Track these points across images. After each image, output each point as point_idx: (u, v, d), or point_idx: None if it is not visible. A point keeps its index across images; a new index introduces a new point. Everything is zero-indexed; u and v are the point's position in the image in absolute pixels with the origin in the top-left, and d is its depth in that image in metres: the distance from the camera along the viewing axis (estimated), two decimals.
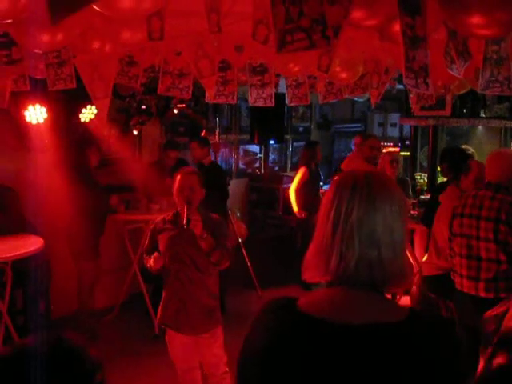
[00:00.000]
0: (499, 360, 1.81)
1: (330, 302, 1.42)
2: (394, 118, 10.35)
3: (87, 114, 6.05)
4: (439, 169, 7.54)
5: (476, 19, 2.14)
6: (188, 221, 3.68)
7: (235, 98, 4.39)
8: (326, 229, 1.43)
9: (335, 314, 1.38)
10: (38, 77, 3.78)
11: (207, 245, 3.75)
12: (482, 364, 2.35)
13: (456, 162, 5.61)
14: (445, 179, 6.06)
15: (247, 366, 1.45)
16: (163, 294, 4.01)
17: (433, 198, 5.82)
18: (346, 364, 1.33)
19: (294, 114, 10.15)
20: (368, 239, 1.40)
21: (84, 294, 6.00)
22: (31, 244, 4.97)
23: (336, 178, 1.56)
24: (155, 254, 3.85)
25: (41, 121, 5.59)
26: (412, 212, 6.29)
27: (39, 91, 4.95)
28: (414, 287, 5.24)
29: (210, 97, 4.26)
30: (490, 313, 2.98)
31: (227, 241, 3.94)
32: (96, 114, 5.87)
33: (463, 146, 6.91)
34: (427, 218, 5.42)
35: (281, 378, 1.37)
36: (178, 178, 3.85)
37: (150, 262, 3.87)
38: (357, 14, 2.30)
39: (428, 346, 1.34)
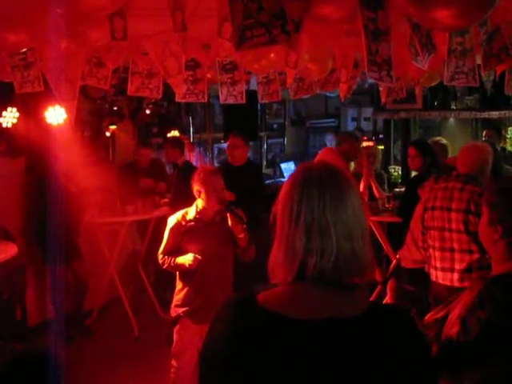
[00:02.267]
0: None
1: (292, 298, 1.42)
2: (368, 112, 10.41)
3: (55, 116, 5.97)
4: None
5: (439, 12, 2.15)
6: (240, 219, 3.90)
7: (206, 96, 4.37)
8: (296, 229, 1.41)
9: (295, 310, 1.38)
10: (5, 80, 3.73)
11: (245, 241, 3.96)
12: None
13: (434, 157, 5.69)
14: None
15: (207, 362, 1.45)
16: (184, 288, 4.06)
17: (408, 191, 5.86)
18: (304, 360, 1.32)
19: (267, 111, 10.17)
20: (343, 234, 1.40)
21: (79, 294, 6.02)
22: (4, 250, 4.91)
23: (292, 173, 1.55)
24: (193, 256, 3.90)
25: (9, 125, 5.50)
26: (387, 205, 6.32)
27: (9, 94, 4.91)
28: (392, 280, 5.28)
29: (179, 96, 4.25)
30: (429, 317, 3.00)
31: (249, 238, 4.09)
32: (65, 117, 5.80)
33: (436, 138, 6.97)
34: (403, 211, 5.46)
35: (239, 374, 1.37)
36: (208, 177, 3.96)
37: (190, 263, 3.90)
38: (321, 9, 2.30)
39: (388, 337, 1.35)
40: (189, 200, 4.21)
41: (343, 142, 6.41)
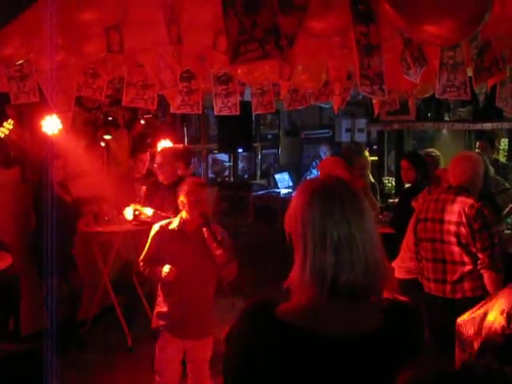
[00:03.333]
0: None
1: (312, 312, 1.42)
2: (362, 123, 10.46)
3: (52, 126, 5.98)
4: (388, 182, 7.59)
5: (429, 28, 2.19)
6: (213, 236, 3.86)
7: (200, 107, 4.40)
8: (323, 246, 1.41)
9: (315, 324, 1.39)
10: (1, 90, 3.75)
11: (222, 259, 3.89)
12: (459, 365, 2.36)
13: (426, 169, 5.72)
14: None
15: (229, 372, 1.46)
16: (164, 300, 4.03)
17: (401, 202, 5.89)
18: (321, 375, 1.34)
19: (262, 122, 10.20)
20: (367, 246, 1.42)
21: (73, 304, 6.03)
22: None
23: (304, 189, 1.54)
24: (169, 268, 3.87)
25: (2, 135, 5.52)
26: (380, 216, 6.35)
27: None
28: (386, 291, 5.29)
29: (174, 107, 4.27)
30: (465, 317, 3.00)
31: (232, 252, 4.02)
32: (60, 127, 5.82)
33: (429, 150, 7.01)
34: (397, 222, 5.49)
35: None
36: (192, 188, 3.93)
37: (164, 274, 3.88)
38: (313, 24, 2.34)
39: (406, 345, 1.40)
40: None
41: (348, 155, 6.35)
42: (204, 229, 3.89)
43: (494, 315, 2.01)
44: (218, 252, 3.89)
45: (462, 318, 3.34)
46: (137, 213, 5.76)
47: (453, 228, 4.03)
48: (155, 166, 5.64)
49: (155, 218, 4.97)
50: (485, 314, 2.49)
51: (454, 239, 4.04)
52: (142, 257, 4.10)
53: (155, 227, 4.09)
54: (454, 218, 4.04)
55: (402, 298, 4.94)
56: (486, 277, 3.92)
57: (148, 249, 4.07)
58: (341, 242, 1.40)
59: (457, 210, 4.03)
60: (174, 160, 5.47)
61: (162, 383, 4.09)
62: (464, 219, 3.97)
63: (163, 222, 4.09)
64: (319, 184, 1.52)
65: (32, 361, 3.95)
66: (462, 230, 3.99)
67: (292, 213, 1.49)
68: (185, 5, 2.63)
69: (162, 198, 5.43)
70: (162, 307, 4.07)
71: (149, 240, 4.08)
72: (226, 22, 1.79)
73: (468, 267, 4.01)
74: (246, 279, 7.44)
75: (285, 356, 1.36)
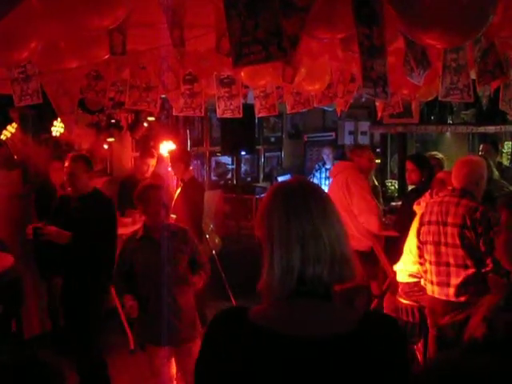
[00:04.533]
0: None
1: (285, 314, 1.43)
2: (365, 126, 10.45)
3: (58, 127, 6.00)
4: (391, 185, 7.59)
5: (432, 31, 2.18)
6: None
7: (203, 110, 4.40)
8: (288, 241, 1.42)
9: (286, 326, 1.39)
10: (4, 92, 3.75)
11: (199, 284, 3.92)
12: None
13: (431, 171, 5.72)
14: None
15: (199, 376, 1.47)
16: (140, 315, 3.95)
17: (405, 205, 5.88)
18: (294, 377, 1.34)
19: (265, 125, 10.19)
20: (333, 239, 1.44)
21: None
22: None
23: (269, 191, 1.57)
24: (131, 303, 3.82)
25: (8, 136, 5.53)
26: (383, 219, 6.33)
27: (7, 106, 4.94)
28: (389, 294, 5.29)
29: (176, 110, 4.27)
30: (447, 320, 3.00)
31: (202, 255, 3.99)
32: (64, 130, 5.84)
33: (432, 153, 7.00)
34: (400, 225, 5.48)
35: None
36: (144, 193, 3.90)
37: (128, 308, 3.87)
38: (316, 27, 2.34)
39: (380, 351, 1.36)
40: (191, 215, 4.22)
41: (352, 156, 6.32)
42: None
43: (475, 321, 2.00)
44: (194, 280, 3.89)
45: (443, 322, 3.34)
46: None
47: (457, 231, 4.03)
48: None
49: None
50: (466, 320, 2.47)
51: (458, 242, 4.03)
52: (114, 270, 4.09)
53: (126, 237, 4.12)
54: (458, 220, 4.03)
55: (404, 302, 4.92)
56: (491, 281, 3.91)
57: (118, 261, 4.07)
58: (306, 237, 1.42)
59: (461, 213, 4.02)
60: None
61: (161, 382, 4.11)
62: (468, 222, 3.96)
63: (133, 232, 4.09)
64: (283, 184, 1.56)
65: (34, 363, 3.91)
66: (467, 233, 3.98)
67: (258, 216, 1.51)
68: (187, 6, 2.63)
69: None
70: (140, 322, 4.03)
71: (119, 252, 4.08)
72: (229, 23, 1.79)
73: (471, 270, 4.00)
74: (247, 281, 7.45)
75: (248, 356, 1.37)
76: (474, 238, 3.94)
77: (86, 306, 4.49)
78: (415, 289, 4.62)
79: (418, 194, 5.50)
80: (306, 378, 1.33)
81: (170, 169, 6.89)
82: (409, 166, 5.93)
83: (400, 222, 5.80)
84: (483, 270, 3.93)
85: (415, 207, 5.18)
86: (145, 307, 3.91)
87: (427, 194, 5.29)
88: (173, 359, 4.11)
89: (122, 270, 3.99)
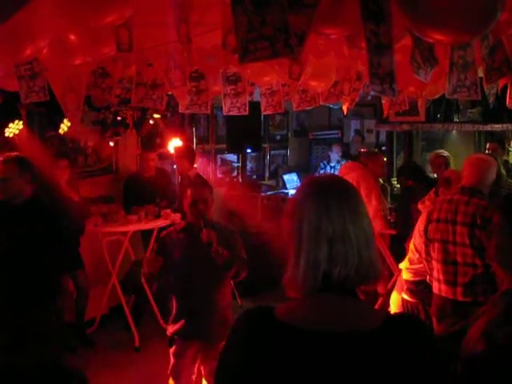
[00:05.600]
0: None
1: (310, 311, 1.43)
2: (370, 124, 10.44)
3: (64, 125, 6.02)
4: (396, 182, 7.69)
5: (439, 27, 2.17)
6: (210, 244, 3.73)
7: (209, 107, 4.39)
8: (317, 240, 1.42)
9: (313, 323, 1.39)
10: (11, 89, 3.76)
11: (223, 260, 3.78)
12: None
13: (420, 178, 5.76)
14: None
15: (223, 376, 1.46)
16: (175, 306, 3.99)
17: (402, 204, 5.95)
18: (323, 374, 1.33)
19: (270, 123, 10.20)
20: (362, 242, 1.43)
21: (81, 304, 6.05)
22: None
23: (301, 186, 1.56)
24: (153, 256, 3.84)
25: (11, 135, 5.54)
26: (389, 217, 6.33)
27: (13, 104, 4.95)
28: (395, 292, 5.28)
29: (182, 107, 4.27)
30: (443, 330, 2.97)
31: (241, 251, 3.96)
32: (69, 127, 5.84)
33: (438, 151, 6.99)
34: (403, 223, 5.49)
35: None
36: (192, 192, 3.90)
37: (146, 265, 3.86)
38: (323, 24, 2.33)
39: (405, 351, 1.36)
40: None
41: (366, 161, 6.42)
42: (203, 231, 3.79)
43: (473, 335, 1.97)
44: (214, 254, 3.81)
45: (440, 331, 3.32)
46: None
47: (466, 230, 4.00)
48: None
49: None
50: (462, 330, 2.45)
51: (467, 241, 4.00)
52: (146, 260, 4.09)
53: (166, 230, 4.10)
54: (468, 219, 4.00)
55: (410, 299, 4.91)
56: (499, 279, 3.90)
57: (153, 252, 4.06)
58: (335, 236, 1.41)
59: (471, 212, 4.00)
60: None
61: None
62: (479, 221, 3.94)
63: (173, 226, 4.09)
64: (316, 180, 1.55)
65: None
66: (477, 232, 3.95)
67: (289, 210, 1.50)
68: (194, 3, 2.63)
69: None
70: (174, 313, 4.05)
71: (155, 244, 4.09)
72: (236, 20, 1.78)
73: (480, 270, 3.98)
74: (254, 279, 7.46)
75: (276, 354, 1.36)
76: (484, 237, 3.92)
77: None
78: (420, 287, 4.60)
79: (412, 192, 5.55)
80: (333, 375, 1.33)
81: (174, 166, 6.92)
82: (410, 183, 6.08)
83: (401, 220, 5.82)
84: (492, 270, 3.92)
85: (420, 206, 5.18)
86: (183, 301, 3.95)
87: (432, 193, 5.29)
88: (196, 366, 4.08)
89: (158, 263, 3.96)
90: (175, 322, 4.01)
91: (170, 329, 4.05)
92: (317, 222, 1.42)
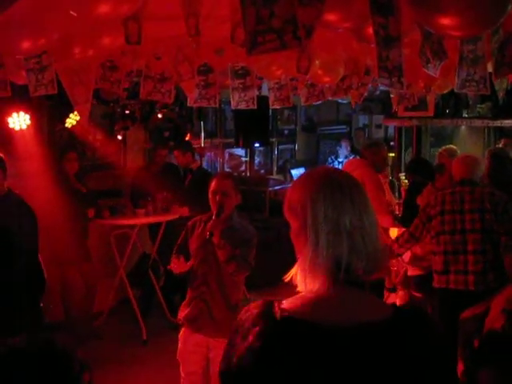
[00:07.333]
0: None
1: (317, 304, 1.42)
2: (379, 119, 10.41)
3: (72, 119, 6.04)
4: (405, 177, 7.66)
5: (448, 20, 2.16)
6: (211, 233, 3.69)
7: (217, 101, 4.39)
8: (337, 235, 1.41)
9: (321, 316, 1.38)
10: (20, 82, 3.77)
11: (223, 254, 3.74)
12: (461, 366, 2.34)
13: (427, 174, 5.74)
14: None
15: (229, 375, 1.43)
16: (188, 294, 4.00)
17: (408, 199, 5.95)
18: (333, 367, 1.33)
19: (279, 117, 10.18)
20: (374, 234, 1.45)
21: (88, 297, 6.06)
22: None
23: (309, 179, 1.54)
24: (180, 259, 3.82)
25: (24, 127, 5.56)
26: (396, 212, 6.31)
27: (21, 97, 4.95)
28: (400, 287, 5.29)
29: (191, 100, 4.27)
30: (467, 313, 3.00)
31: (249, 253, 3.92)
32: (78, 120, 5.86)
33: (447, 146, 6.96)
34: (407, 218, 5.49)
35: None
36: (213, 182, 3.86)
37: (172, 264, 3.85)
38: (331, 17, 2.32)
39: (414, 342, 1.37)
40: (201, 205, 4.18)
41: (367, 153, 6.36)
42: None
43: (494, 313, 2.00)
44: (216, 246, 3.77)
45: (464, 315, 3.33)
46: None
47: (477, 215, 4.12)
48: None
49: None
50: (486, 312, 2.48)
51: (478, 226, 4.09)
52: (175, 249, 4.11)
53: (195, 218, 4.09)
54: (476, 205, 4.15)
55: (417, 294, 4.91)
56: (508, 262, 3.95)
57: (180, 239, 4.07)
58: (353, 228, 1.42)
59: (478, 198, 4.16)
60: None
61: (184, 372, 4.09)
62: (488, 205, 4.10)
63: (204, 215, 4.07)
64: (324, 174, 1.52)
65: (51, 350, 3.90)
66: (487, 216, 4.09)
67: (297, 204, 1.47)
68: None
69: None
70: (186, 299, 4.06)
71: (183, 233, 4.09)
72: (244, 12, 1.78)
73: (490, 256, 4.04)
74: (260, 274, 7.46)
75: (284, 350, 1.34)
76: (494, 221, 4.07)
77: None
78: (425, 282, 4.62)
79: (420, 187, 5.57)
80: (345, 367, 1.33)
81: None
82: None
83: (408, 215, 5.81)
84: (501, 250, 4.02)
85: (419, 200, 5.22)
86: (195, 290, 3.94)
87: (429, 186, 5.33)
88: (205, 352, 4.08)
89: (180, 248, 3.97)
90: (185, 307, 4.04)
91: (181, 312, 4.07)
92: (334, 216, 1.42)
